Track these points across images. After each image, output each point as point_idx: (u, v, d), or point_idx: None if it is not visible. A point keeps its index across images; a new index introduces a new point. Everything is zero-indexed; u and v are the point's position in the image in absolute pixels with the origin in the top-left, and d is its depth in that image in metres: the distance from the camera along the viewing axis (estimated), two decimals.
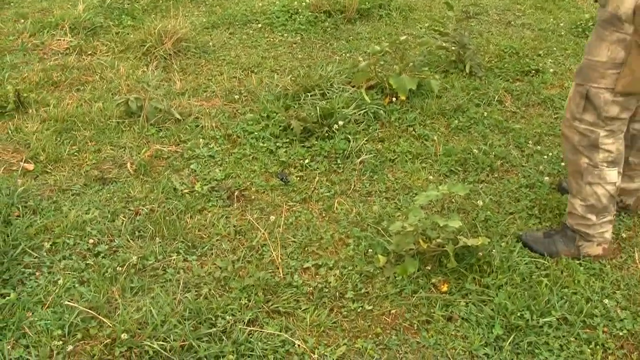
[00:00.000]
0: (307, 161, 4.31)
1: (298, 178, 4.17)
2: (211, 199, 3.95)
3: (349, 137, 4.49)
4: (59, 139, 4.53)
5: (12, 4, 7.16)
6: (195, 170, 4.21)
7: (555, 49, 6.05)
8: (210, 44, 6.13)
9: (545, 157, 4.34)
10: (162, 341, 2.88)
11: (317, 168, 4.26)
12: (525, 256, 3.46)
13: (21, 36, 6.21)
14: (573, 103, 3.34)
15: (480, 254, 3.36)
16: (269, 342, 2.97)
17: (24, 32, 6.26)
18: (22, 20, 6.57)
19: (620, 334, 3.06)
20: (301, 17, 6.60)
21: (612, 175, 3.36)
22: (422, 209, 3.41)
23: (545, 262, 3.42)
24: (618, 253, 3.53)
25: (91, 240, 3.55)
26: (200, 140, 4.51)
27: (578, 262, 3.42)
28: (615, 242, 3.57)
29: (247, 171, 4.22)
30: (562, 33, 6.45)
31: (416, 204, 3.43)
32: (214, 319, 3.06)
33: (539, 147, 4.48)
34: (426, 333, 3.05)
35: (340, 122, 4.56)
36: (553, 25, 6.64)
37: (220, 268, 3.38)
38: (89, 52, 5.95)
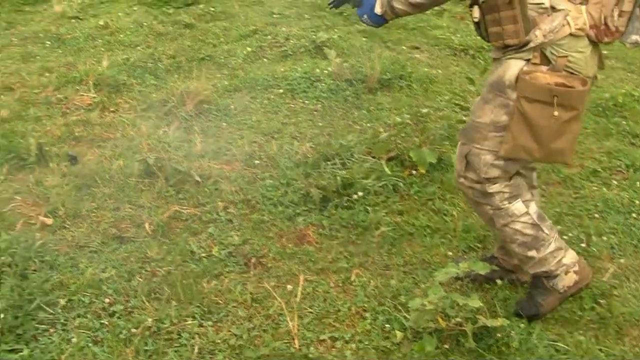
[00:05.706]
0: (325, 230, 4.30)
1: (316, 246, 4.16)
2: (228, 264, 3.93)
3: (368, 208, 4.49)
4: (78, 194, 4.54)
5: (38, 57, 7.24)
6: (212, 234, 4.19)
7: None
8: (232, 107, 6.16)
9: (565, 237, 4.29)
10: None
11: (336, 237, 4.25)
12: (544, 339, 3.40)
13: (45, 90, 6.27)
14: (458, 161, 3.41)
15: (499, 335, 3.32)
16: None
17: (49, 86, 6.33)
18: (47, 74, 6.64)
19: None
20: (322, 84, 6.63)
21: (519, 207, 3.36)
22: (441, 285, 3.38)
23: (565, 346, 3.37)
24: None
25: (107, 300, 3.54)
26: (219, 203, 4.51)
27: (598, 347, 3.37)
28: None
29: (264, 238, 4.20)
30: None
31: (435, 280, 3.41)
32: None
33: (559, 227, 4.43)
34: None
35: (360, 193, 4.56)
36: None
37: (236, 335, 3.35)
38: (112, 109, 5.99)
